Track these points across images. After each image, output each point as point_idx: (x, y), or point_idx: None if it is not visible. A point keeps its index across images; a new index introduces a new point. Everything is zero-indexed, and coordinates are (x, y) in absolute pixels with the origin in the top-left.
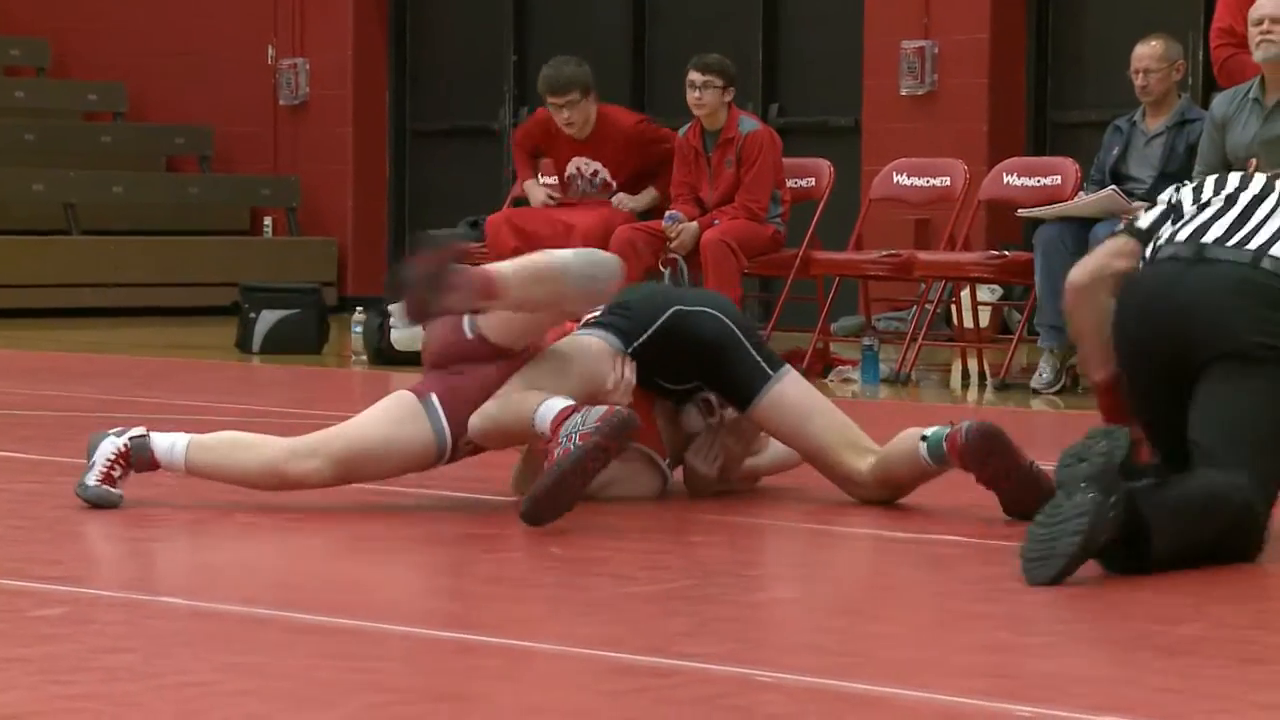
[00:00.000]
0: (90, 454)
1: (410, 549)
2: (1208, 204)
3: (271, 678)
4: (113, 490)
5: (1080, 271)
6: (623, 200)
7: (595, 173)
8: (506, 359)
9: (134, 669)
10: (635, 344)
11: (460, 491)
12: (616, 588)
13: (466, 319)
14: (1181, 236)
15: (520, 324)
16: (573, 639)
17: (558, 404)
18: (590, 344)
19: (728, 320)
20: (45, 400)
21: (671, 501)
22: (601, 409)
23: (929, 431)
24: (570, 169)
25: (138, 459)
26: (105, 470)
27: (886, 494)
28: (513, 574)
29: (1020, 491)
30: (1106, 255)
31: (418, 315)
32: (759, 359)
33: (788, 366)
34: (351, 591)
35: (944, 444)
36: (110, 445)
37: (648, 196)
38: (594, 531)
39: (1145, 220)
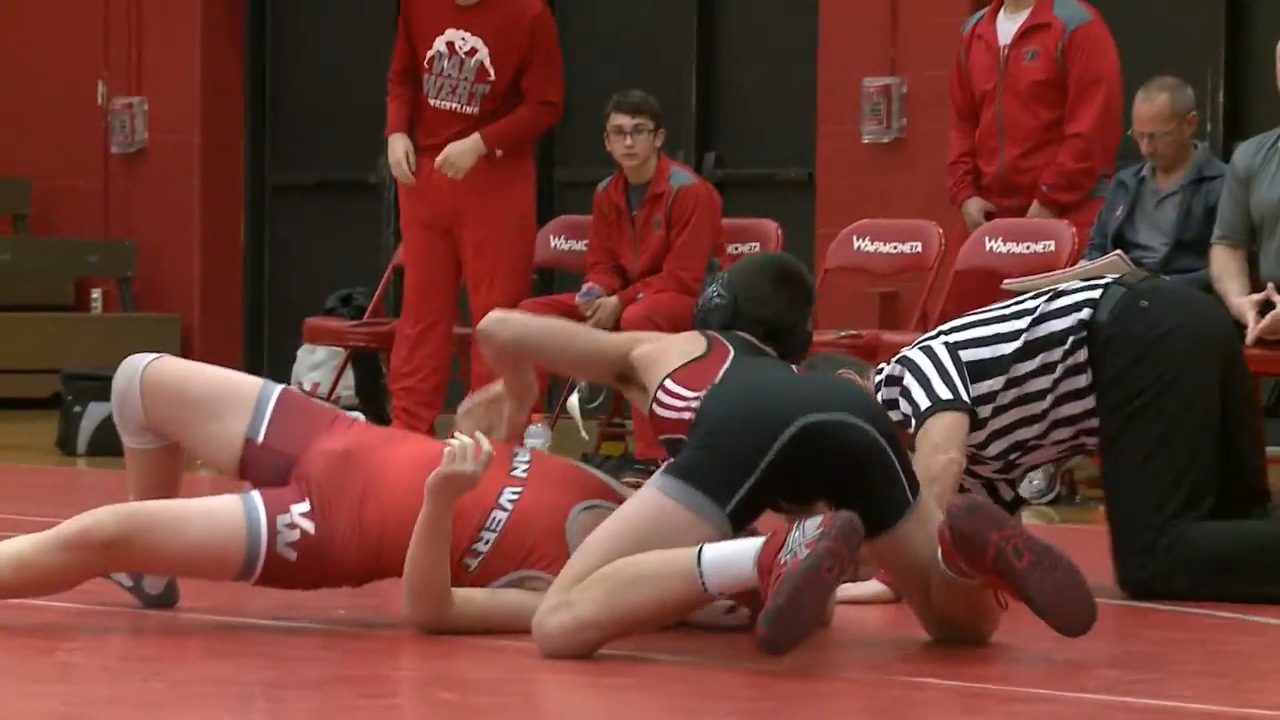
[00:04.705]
0: None
1: (265, 695)
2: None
3: None
4: None
5: None
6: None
7: (473, 50)
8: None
9: None
10: (745, 488)
11: (327, 621)
12: None
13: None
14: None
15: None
16: None
17: (735, 547)
18: (670, 518)
19: (870, 429)
20: None
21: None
22: (816, 518)
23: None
24: (438, 45)
25: None
26: None
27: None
28: None
29: (1040, 574)
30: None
31: None
32: (904, 477)
33: (923, 493)
34: None
35: (938, 549)
36: None
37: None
38: (487, 671)
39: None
